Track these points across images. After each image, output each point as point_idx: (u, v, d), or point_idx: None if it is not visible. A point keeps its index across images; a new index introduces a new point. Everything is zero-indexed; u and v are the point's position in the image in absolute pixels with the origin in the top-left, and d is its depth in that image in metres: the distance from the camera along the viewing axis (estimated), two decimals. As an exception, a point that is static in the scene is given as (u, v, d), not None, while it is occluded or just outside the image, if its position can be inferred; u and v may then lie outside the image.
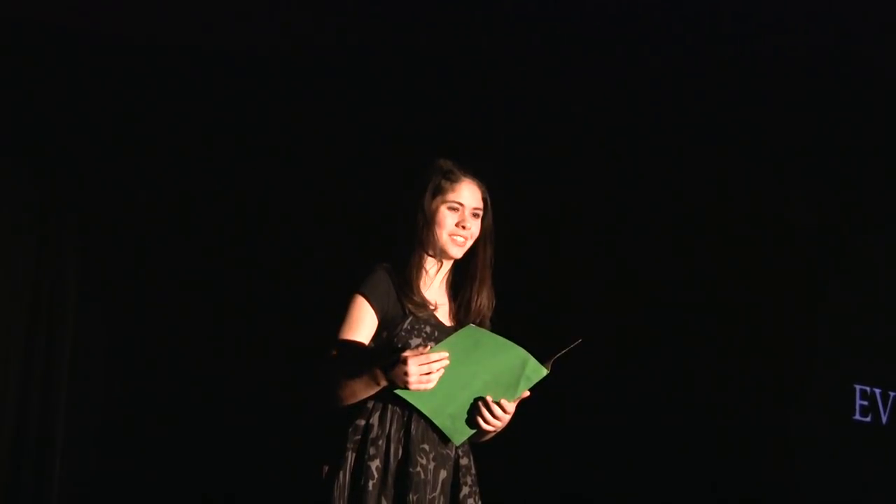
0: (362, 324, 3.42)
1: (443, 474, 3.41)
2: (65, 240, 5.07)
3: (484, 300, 3.54)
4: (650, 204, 5.12)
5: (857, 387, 4.74)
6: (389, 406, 3.38)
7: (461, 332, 3.31)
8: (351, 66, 5.18)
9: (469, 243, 3.52)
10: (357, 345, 3.42)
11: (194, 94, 5.13)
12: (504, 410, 3.36)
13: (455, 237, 3.49)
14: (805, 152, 4.88)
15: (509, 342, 3.32)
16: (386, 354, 3.36)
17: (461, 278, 3.56)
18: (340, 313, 3.44)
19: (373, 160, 5.16)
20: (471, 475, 3.48)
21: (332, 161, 5.26)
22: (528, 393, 3.38)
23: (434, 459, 3.40)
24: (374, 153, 5.18)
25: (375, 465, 3.35)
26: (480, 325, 3.46)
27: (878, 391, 4.73)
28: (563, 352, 3.28)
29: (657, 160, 5.11)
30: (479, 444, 3.52)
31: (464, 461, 3.47)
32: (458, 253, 3.51)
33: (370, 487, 3.33)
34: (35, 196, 5.03)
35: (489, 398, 3.35)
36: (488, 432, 3.44)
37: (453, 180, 3.50)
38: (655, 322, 5.04)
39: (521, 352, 3.31)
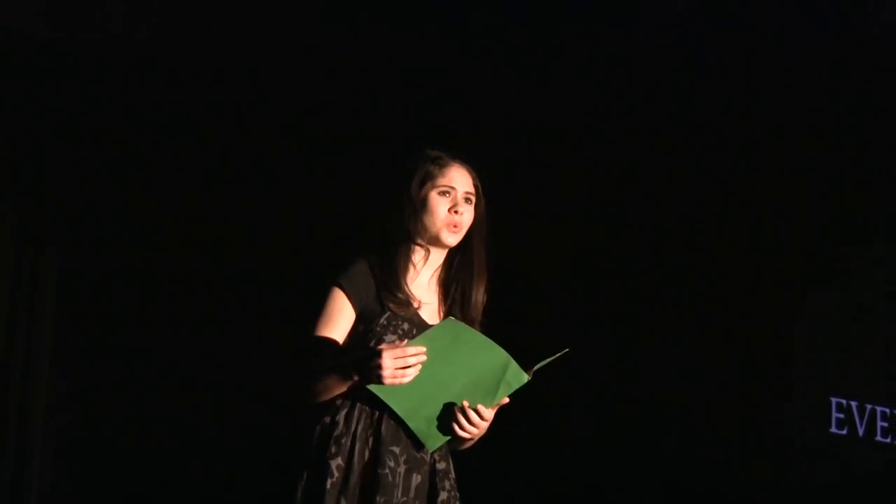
0: (339, 317, 3.32)
1: (416, 479, 3.28)
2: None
3: (480, 296, 3.42)
4: (620, 219, 5.10)
5: (834, 399, 4.72)
6: (358, 404, 3.26)
7: (440, 325, 3.17)
8: (332, 57, 5.14)
9: (464, 230, 3.41)
10: (332, 338, 3.32)
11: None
12: (482, 417, 3.22)
13: (450, 224, 3.37)
14: (784, 166, 4.86)
15: (491, 341, 3.19)
16: (360, 348, 3.26)
17: (453, 275, 3.44)
18: (317, 306, 3.34)
19: (358, 152, 5.10)
20: (449, 479, 3.35)
21: (315, 154, 5.20)
22: (507, 400, 3.24)
23: (406, 462, 3.27)
24: (361, 146, 5.11)
25: (336, 463, 3.23)
26: (471, 324, 3.32)
27: (854, 404, 4.71)
28: (548, 361, 3.15)
29: (642, 167, 5.08)
30: (458, 451, 3.41)
31: (441, 465, 3.34)
32: (453, 240, 3.39)
33: (328, 486, 3.21)
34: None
35: (466, 403, 3.21)
36: (464, 440, 3.30)
37: (442, 165, 3.41)
38: (631, 331, 5.00)
39: (503, 354, 3.17)
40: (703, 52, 4.81)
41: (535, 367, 3.15)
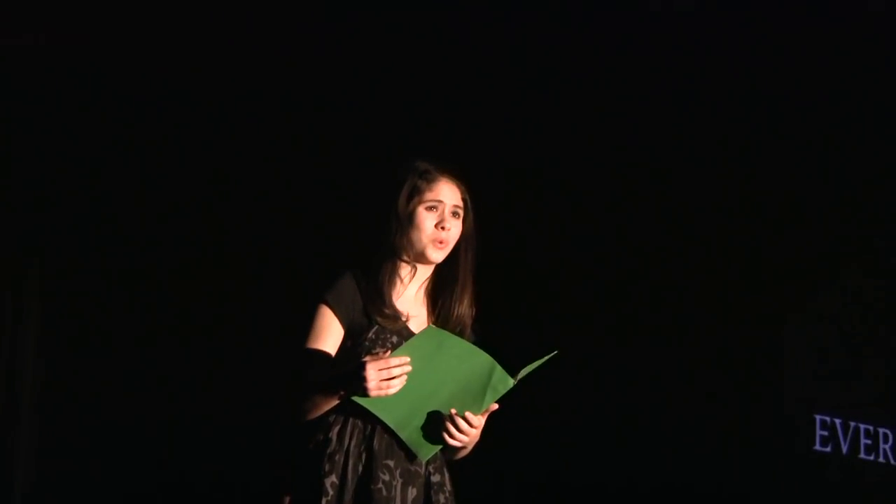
0: (326, 333, 3.29)
1: (412, 492, 3.25)
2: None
3: (465, 308, 3.38)
4: (612, 226, 5.06)
5: (818, 417, 4.73)
6: (351, 420, 3.23)
7: (422, 333, 3.15)
8: (320, 65, 5.09)
9: (450, 246, 3.36)
10: (320, 355, 3.28)
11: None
12: (471, 425, 3.19)
13: (436, 240, 3.33)
14: (773, 182, 4.86)
15: (475, 347, 3.17)
16: (347, 364, 3.22)
17: (441, 286, 3.41)
18: (304, 323, 3.31)
19: (345, 163, 5.04)
20: (444, 493, 3.31)
21: (302, 164, 5.14)
22: (496, 406, 3.21)
23: (400, 476, 3.24)
24: (347, 156, 5.05)
25: (331, 481, 3.20)
26: (460, 334, 3.31)
27: (838, 421, 4.72)
28: (536, 365, 3.13)
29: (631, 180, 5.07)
30: (453, 461, 3.37)
31: (436, 478, 3.31)
32: (438, 257, 3.35)
33: None
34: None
35: (453, 411, 3.18)
36: (457, 448, 3.28)
37: (430, 179, 3.35)
38: (616, 344, 4.96)
39: (487, 358, 3.15)
40: (701, 51, 4.81)
41: (522, 372, 3.13)
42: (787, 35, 4.62)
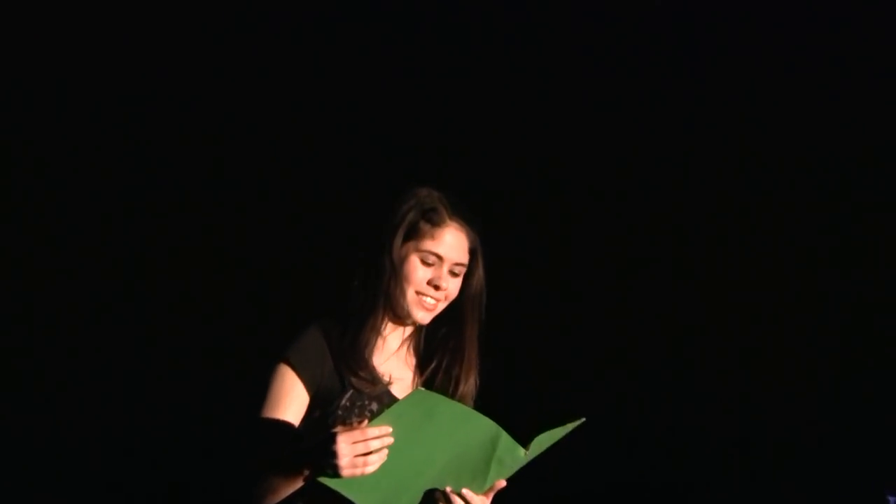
0: (287, 400, 2.76)
1: None
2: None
3: (470, 387, 2.87)
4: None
5: (891, 498, 4.28)
6: None
7: (408, 398, 2.60)
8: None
9: (441, 306, 2.83)
10: (279, 427, 2.75)
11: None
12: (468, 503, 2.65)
13: (424, 297, 2.80)
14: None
15: (474, 411, 2.64)
16: (313, 436, 2.67)
17: (435, 347, 2.87)
18: (260, 388, 2.78)
19: (323, 175, 4.35)
20: None
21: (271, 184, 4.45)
22: (503, 483, 2.67)
23: None
24: (326, 166, 4.37)
25: None
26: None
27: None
28: (556, 434, 2.61)
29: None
30: None
31: None
32: (423, 318, 2.82)
33: None
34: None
35: (449, 489, 2.63)
36: None
37: (435, 223, 2.81)
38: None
39: (490, 424, 2.60)
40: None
41: (537, 441, 2.61)
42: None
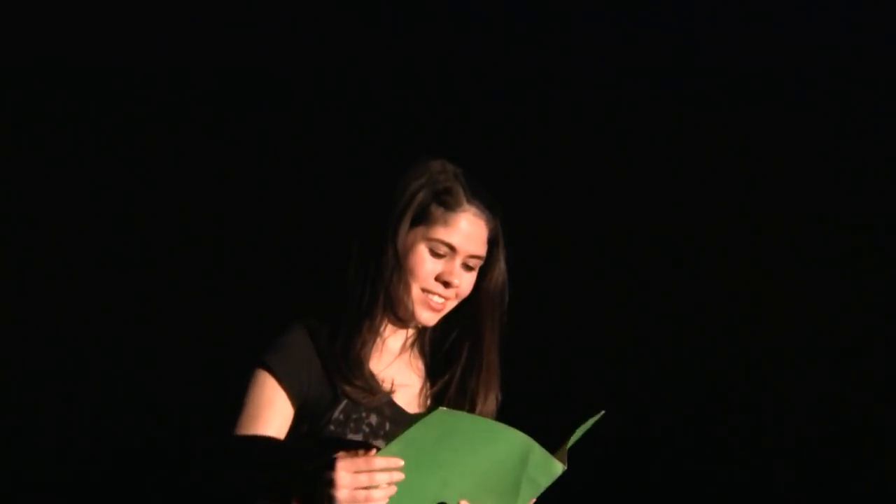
0: (268, 411, 2.34)
1: None
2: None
3: (491, 403, 2.45)
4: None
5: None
6: None
7: (427, 419, 2.18)
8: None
9: (451, 305, 2.41)
10: (259, 445, 2.33)
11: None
12: None
13: (430, 296, 2.38)
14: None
15: (501, 425, 2.24)
16: (303, 459, 2.26)
17: (446, 350, 2.46)
18: (236, 398, 2.36)
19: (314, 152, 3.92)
20: None
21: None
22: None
23: None
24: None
25: None
26: None
27: None
28: (582, 430, 2.23)
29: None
30: None
31: None
32: (428, 319, 2.41)
33: None
34: None
35: None
36: None
37: (449, 207, 2.38)
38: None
39: (521, 438, 2.23)
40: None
41: (569, 445, 2.25)
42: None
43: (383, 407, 2.38)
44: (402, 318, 2.42)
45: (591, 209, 4.31)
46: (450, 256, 2.39)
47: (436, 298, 2.39)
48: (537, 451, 2.23)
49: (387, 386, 2.39)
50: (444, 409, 2.23)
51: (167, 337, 3.86)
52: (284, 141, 4.04)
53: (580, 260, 4.30)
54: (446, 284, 2.39)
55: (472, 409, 2.44)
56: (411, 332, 2.47)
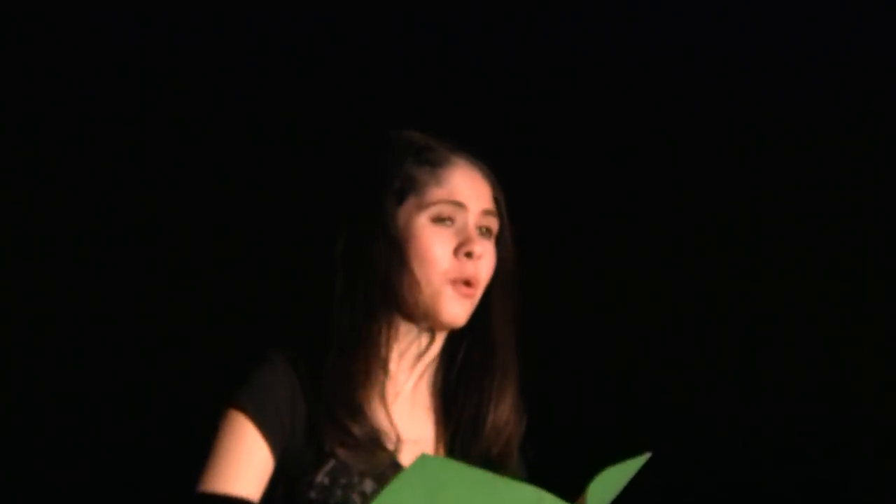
0: (241, 463, 1.89)
1: None
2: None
3: (506, 412, 1.95)
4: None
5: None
6: None
7: (408, 472, 1.76)
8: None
9: (481, 290, 1.91)
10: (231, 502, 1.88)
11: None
12: None
13: (458, 280, 1.89)
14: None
15: (502, 478, 1.84)
16: None
17: (461, 376, 1.97)
18: (207, 443, 1.92)
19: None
20: None
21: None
22: None
23: None
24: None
25: None
26: (502, 456, 1.92)
27: None
28: (620, 475, 1.80)
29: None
30: None
31: None
32: (458, 315, 1.91)
33: None
34: None
35: None
36: None
37: (437, 163, 1.92)
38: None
39: (527, 491, 1.84)
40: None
41: (593, 490, 1.84)
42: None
43: (385, 468, 1.92)
44: (419, 323, 1.95)
45: (590, 209, 4.09)
46: (460, 215, 1.93)
47: (463, 282, 1.91)
48: (548, 501, 1.84)
49: (391, 439, 1.94)
50: (428, 455, 1.85)
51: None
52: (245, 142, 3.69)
53: (583, 263, 4.05)
54: (468, 255, 1.92)
55: (478, 415, 1.98)
56: (425, 355, 1.98)
